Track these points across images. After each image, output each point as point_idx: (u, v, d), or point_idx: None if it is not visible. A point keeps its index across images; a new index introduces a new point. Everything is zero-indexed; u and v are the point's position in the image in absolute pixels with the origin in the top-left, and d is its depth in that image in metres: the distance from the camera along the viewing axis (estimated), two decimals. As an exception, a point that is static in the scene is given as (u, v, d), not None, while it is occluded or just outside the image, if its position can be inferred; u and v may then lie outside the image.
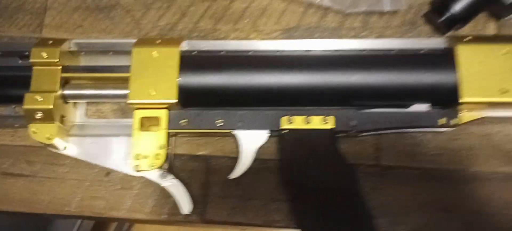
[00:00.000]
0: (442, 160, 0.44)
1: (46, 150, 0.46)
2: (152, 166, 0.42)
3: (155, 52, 0.42)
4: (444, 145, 0.44)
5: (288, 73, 0.41)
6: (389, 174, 0.44)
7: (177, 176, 0.44)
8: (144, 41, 0.44)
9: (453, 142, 0.44)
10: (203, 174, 0.45)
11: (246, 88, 0.42)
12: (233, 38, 0.49)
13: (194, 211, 0.44)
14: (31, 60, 0.43)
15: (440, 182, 0.43)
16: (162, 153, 0.42)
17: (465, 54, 0.40)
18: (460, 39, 0.41)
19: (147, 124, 0.43)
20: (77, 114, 0.47)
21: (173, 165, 0.45)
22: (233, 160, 0.44)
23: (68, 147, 0.45)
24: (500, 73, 0.40)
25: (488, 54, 0.40)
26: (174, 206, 0.44)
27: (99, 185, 0.46)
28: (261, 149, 0.43)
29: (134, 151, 0.42)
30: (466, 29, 0.46)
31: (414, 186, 0.44)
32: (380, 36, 0.47)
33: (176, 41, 0.44)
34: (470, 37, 0.41)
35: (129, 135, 0.43)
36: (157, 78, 0.42)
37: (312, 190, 0.41)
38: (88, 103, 0.47)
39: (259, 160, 0.44)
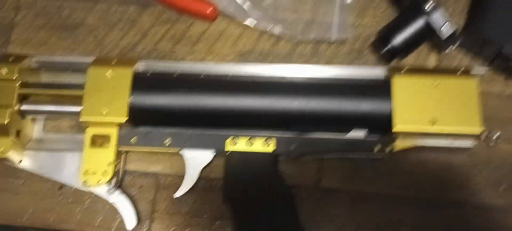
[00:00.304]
0: (380, 185, 0.46)
1: (2, 162, 0.47)
2: (100, 182, 0.43)
3: (109, 72, 0.45)
4: (383, 170, 0.46)
5: (233, 97, 0.43)
6: (329, 196, 0.46)
7: (127, 192, 0.46)
8: (101, 61, 0.46)
9: (392, 167, 0.46)
10: (152, 190, 0.47)
11: (193, 110, 0.44)
12: (190, 60, 0.51)
13: (140, 226, 0.46)
14: (-9, 76, 0.45)
15: (378, 206, 0.45)
16: (110, 169, 0.44)
17: (400, 85, 0.42)
18: (397, 70, 0.43)
19: (99, 140, 0.45)
20: (34, 129, 0.49)
21: (122, 181, 0.47)
22: (182, 178, 0.46)
23: (23, 160, 0.47)
24: (432, 105, 0.42)
25: (421, 85, 0.42)
26: (122, 221, 0.45)
27: (51, 198, 0.48)
28: (208, 168, 0.45)
29: (83, 166, 0.44)
30: (410, 59, 0.49)
31: (353, 209, 0.45)
32: (328, 63, 0.50)
33: (130, 62, 0.46)
34: (406, 69, 0.43)
35: (82, 150, 0.45)
36: (109, 98, 0.44)
37: (253, 209, 0.43)
38: (46, 118, 0.49)
39: (206, 179, 0.47)
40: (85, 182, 0.43)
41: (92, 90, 0.44)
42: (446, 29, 0.45)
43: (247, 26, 0.51)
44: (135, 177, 0.48)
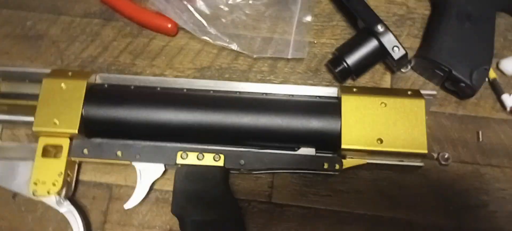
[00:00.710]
0: (331, 201, 0.46)
1: (-45, 170, 0.47)
2: (49, 192, 0.43)
3: (63, 83, 0.45)
4: (334, 187, 0.47)
5: (184, 111, 0.44)
6: (280, 211, 0.46)
7: (80, 202, 0.46)
8: (56, 73, 0.46)
9: (343, 184, 0.47)
10: (105, 201, 0.47)
11: (145, 123, 0.44)
12: (149, 74, 0.51)
13: (91, 237, 0.46)
14: None
15: (328, 222, 0.46)
16: (60, 180, 0.44)
17: (349, 104, 0.43)
18: (348, 90, 0.44)
19: (52, 150, 0.45)
20: (-10, 137, 0.49)
21: (75, 191, 0.47)
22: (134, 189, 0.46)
23: (-23, 168, 0.47)
24: (380, 124, 0.42)
25: (368, 105, 0.43)
26: (72, 231, 0.45)
27: (5, 206, 0.47)
28: (162, 180, 0.46)
29: (33, 176, 0.44)
30: (365, 79, 0.50)
31: (303, 224, 0.46)
32: (285, 80, 0.51)
33: (86, 74, 0.46)
34: (356, 89, 0.44)
35: (37, 160, 0.45)
36: (62, 109, 0.44)
37: (201, 222, 0.43)
38: (3, 127, 0.50)
39: (159, 191, 0.47)
40: (34, 192, 0.43)
41: (46, 101, 0.45)
42: (397, 51, 0.46)
43: (207, 42, 0.52)
44: (89, 187, 0.48)
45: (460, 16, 0.47)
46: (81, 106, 0.44)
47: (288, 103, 0.45)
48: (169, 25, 0.52)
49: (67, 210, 0.45)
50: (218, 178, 0.44)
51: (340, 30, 0.52)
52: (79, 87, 0.45)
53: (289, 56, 0.50)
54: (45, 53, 0.53)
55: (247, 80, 0.51)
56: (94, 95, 0.45)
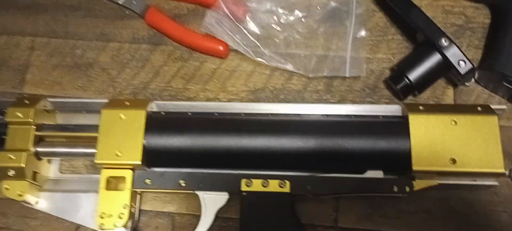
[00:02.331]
0: (399, 224, 0.45)
1: (19, 203, 0.47)
2: (116, 225, 0.43)
3: (122, 114, 0.45)
4: (402, 208, 0.45)
5: (248, 137, 0.43)
6: (347, 236, 0.45)
7: (142, 233, 0.46)
8: (114, 103, 0.46)
9: (411, 205, 0.45)
10: (168, 230, 0.47)
11: (207, 151, 0.43)
12: (202, 98, 0.51)
13: (156, 268, 0.45)
14: (7, 119, 0.45)
15: (397, 245, 0.44)
16: (126, 212, 0.43)
17: (417, 124, 0.42)
18: (414, 108, 0.43)
19: (114, 182, 0.45)
20: (51, 169, 0.49)
21: (138, 222, 0.47)
22: (197, 217, 0.45)
23: (40, 201, 0.46)
24: (450, 143, 0.41)
25: (438, 124, 0.41)
26: (139, 263, 0.45)
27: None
28: (224, 208, 0.45)
29: (99, 209, 0.44)
30: (426, 94, 0.48)
31: (372, 249, 0.45)
32: (342, 99, 0.49)
33: (143, 103, 0.46)
34: (422, 107, 0.43)
35: (98, 191, 0.45)
36: (123, 140, 0.44)
37: (269, 251, 0.42)
38: (62, 159, 0.50)
39: (221, 219, 0.46)
40: (101, 225, 0.43)
41: (106, 132, 0.44)
42: (463, 65, 0.44)
43: (259, 63, 0.51)
44: (151, 217, 0.47)
45: (526, 24, 0.45)
46: (142, 136, 0.44)
47: (352, 125, 0.43)
48: (221, 48, 0.51)
49: (133, 242, 0.44)
50: (284, 204, 0.43)
51: (396, 44, 0.51)
52: (139, 117, 0.44)
53: (347, 75, 0.49)
54: (96, 81, 0.53)
55: (303, 100, 0.50)
56: (154, 124, 0.44)
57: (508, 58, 0.45)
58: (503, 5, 0.47)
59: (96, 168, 0.49)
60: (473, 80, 0.47)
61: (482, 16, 0.50)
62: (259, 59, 0.50)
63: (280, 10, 0.51)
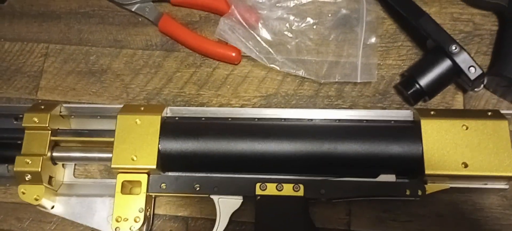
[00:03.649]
0: (411, 227, 0.46)
1: (35, 208, 0.48)
2: (131, 229, 0.44)
3: (138, 119, 0.45)
4: (414, 211, 0.46)
5: (262, 141, 0.44)
6: (360, 239, 0.46)
7: (156, 237, 0.47)
8: (129, 108, 0.47)
9: (423, 208, 0.46)
10: (182, 234, 0.47)
11: (222, 155, 0.44)
12: (215, 104, 0.52)
13: (171, 272, 0.46)
14: (24, 124, 0.46)
15: (410, 249, 0.45)
16: (141, 216, 0.44)
17: (429, 128, 0.42)
18: (425, 113, 0.43)
19: (129, 186, 0.45)
20: (65, 173, 0.49)
21: (152, 226, 0.47)
22: (211, 221, 0.46)
23: (55, 206, 0.47)
24: (461, 148, 0.42)
25: (449, 128, 0.42)
26: (153, 267, 0.45)
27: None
28: (239, 212, 0.45)
29: (115, 213, 0.44)
30: (436, 99, 0.49)
31: (384, 252, 0.45)
32: (353, 104, 0.50)
33: (158, 108, 0.46)
34: (434, 112, 0.43)
35: (113, 196, 0.45)
36: (139, 145, 0.44)
37: (284, 254, 0.43)
38: (76, 163, 0.50)
39: (235, 222, 0.47)
40: (117, 229, 0.44)
41: (122, 137, 0.45)
42: (473, 71, 0.45)
43: (271, 68, 0.52)
44: (165, 220, 0.48)
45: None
46: (158, 141, 0.44)
47: (365, 129, 0.44)
48: (234, 54, 0.52)
49: (149, 245, 0.45)
50: (299, 208, 0.43)
51: (406, 51, 0.51)
52: (154, 122, 0.45)
53: (359, 80, 0.49)
54: (110, 87, 0.54)
55: (314, 106, 0.50)
56: (169, 129, 0.45)
57: (517, 63, 0.46)
58: (510, 12, 0.49)
59: (110, 173, 0.50)
60: (482, 86, 0.48)
61: (489, 23, 0.51)
62: (272, 65, 0.51)
63: (292, 17, 0.52)
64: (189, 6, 0.56)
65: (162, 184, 0.45)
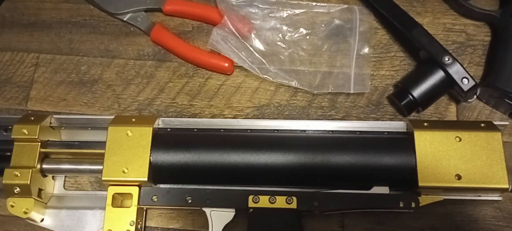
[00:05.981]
0: (404, 239, 0.45)
1: (24, 221, 0.47)
2: (122, 242, 0.43)
3: (129, 131, 0.45)
4: (408, 223, 0.46)
5: (253, 154, 0.43)
6: (353, 251, 0.45)
7: (148, 250, 0.46)
8: (120, 119, 0.46)
9: (416, 220, 0.46)
10: (173, 248, 0.47)
11: (213, 167, 0.43)
12: (207, 114, 0.51)
13: None
14: (13, 136, 0.45)
15: (403, 261, 0.45)
16: (132, 229, 0.43)
17: (422, 140, 0.42)
18: (419, 124, 0.43)
19: (120, 198, 0.45)
20: (56, 185, 0.49)
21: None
22: (203, 234, 0.45)
23: (45, 218, 0.46)
24: (455, 159, 0.41)
25: (443, 140, 0.42)
26: (144, 280, 0.45)
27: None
28: (231, 224, 0.45)
29: (106, 226, 0.43)
30: (430, 110, 0.49)
31: (378, 265, 0.45)
32: (346, 115, 0.50)
33: (150, 120, 0.46)
34: (427, 124, 0.43)
35: (103, 208, 0.44)
36: (130, 156, 0.44)
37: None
38: (66, 175, 0.49)
39: (228, 235, 0.46)
40: (107, 243, 0.43)
41: (113, 149, 0.44)
42: (466, 82, 0.45)
43: (264, 79, 0.51)
44: (156, 234, 0.47)
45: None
46: (149, 153, 0.44)
47: (358, 141, 0.44)
48: (226, 64, 0.51)
49: (140, 259, 0.44)
50: (292, 221, 0.43)
51: (399, 61, 0.51)
52: (146, 134, 0.44)
53: (352, 91, 0.49)
54: (101, 97, 0.53)
55: (307, 116, 0.50)
56: (160, 141, 0.44)
57: (510, 75, 0.45)
58: (502, 23, 0.49)
59: (101, 185, 0.49)
60: (475, 97, 0.48)
61: (482, 34, 0.52)
62: (265, 75, 0.51)
63: (285, 28, 0.52)
64: (181, 16, 0.55)
65: (154, 197, 0.44)
